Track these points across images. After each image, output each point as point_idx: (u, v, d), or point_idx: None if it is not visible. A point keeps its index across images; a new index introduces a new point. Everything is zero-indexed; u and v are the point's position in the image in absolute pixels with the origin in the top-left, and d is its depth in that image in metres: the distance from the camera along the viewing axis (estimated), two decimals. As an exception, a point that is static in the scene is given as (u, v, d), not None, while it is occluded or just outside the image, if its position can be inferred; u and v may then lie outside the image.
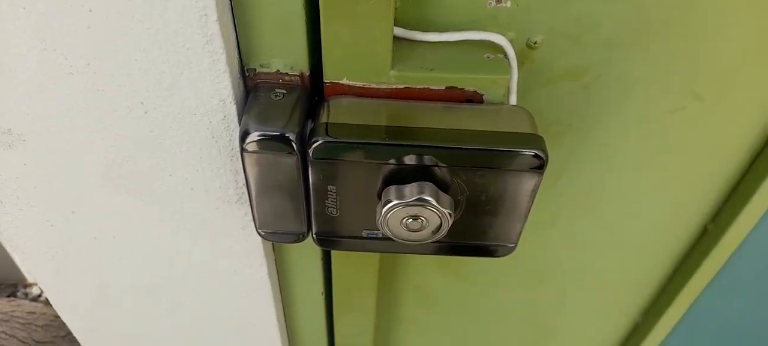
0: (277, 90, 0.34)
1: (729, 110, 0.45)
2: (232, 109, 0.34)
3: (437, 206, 0.33)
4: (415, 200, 0.33)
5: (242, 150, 0.33)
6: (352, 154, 0.33)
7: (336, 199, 0.36)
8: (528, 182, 0.35)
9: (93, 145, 0.36)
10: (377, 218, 0.35)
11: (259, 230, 0.38)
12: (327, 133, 0.33)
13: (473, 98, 0.37)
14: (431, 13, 0.37)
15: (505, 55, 0.37)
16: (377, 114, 0.35)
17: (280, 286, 0.51)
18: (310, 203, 0.36)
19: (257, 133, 0.32)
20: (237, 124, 0.34)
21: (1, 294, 1.89)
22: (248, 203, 0.40)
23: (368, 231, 0.39)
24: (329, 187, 0.35)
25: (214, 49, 0.30)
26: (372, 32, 0.32)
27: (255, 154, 0.33)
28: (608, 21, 0.38)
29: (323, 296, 0.52)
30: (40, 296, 1.93)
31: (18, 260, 1.81)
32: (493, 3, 0.37)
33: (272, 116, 0.33)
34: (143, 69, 0.31)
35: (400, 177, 0.34)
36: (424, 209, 0.34)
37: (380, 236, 0.38)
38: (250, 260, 0.44)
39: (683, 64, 0.41)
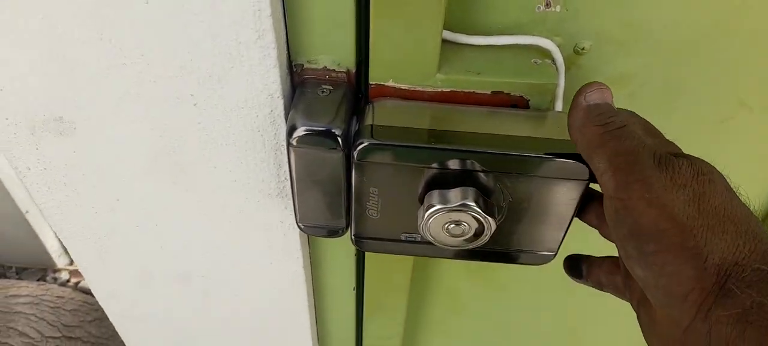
0: (324, 86, 0.34)
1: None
2: (280, 104, 0.34)
3: (480, 212, 0.33)
4: (459, 205, 0.33)
5: (289, 144, 0.33)
6: (396, 157, 0.33)
7: (377, 201, 0.36)
8: (573, 190, 0.35)
9: (141, 135, 0.37)
10: (419, 222, 0.35)
11: (300, 223, 0.38)
12: (372, 136, 0.33)
13: (519, 103, 0.36)
14: (477, 16, 0.37)
15: (553, 60, 0.37)
16: (422, 117, 0.35)
17: (313, 280, 0.51)
18: (350, 204, 0.36)
19: (304, 128, 0.32)
20: (283, 118, 0.35)
21: (31, 278, 1.94)
22: (288, 196, 0.40)
23: (407, 234, 0.39)
24: (371, 189, 0.35)
25: (265, 44, 0.31)
26: (421, 34, 0.32)
27: (301, 149, 0.33)
28: (658, 26, 0.37)
29: (355, 292, 0.53)
30: (68, 281, 1.98)
31: (58, 244, 1.86)
32: (542, 7, 0.36)
33: (319, 112, 0.33)
34: (195, 61, 0.32)
35: (443, 181, 0.34)
36: (467, 214, 0.34)
37: (419, 239, 0.38)
38: (287, 253, 0.45)
39: (731, 72, 0.41)
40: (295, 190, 0.36)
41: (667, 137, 0.35)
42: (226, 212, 0.42)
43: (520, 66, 0.36)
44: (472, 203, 0.33)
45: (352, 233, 0.38)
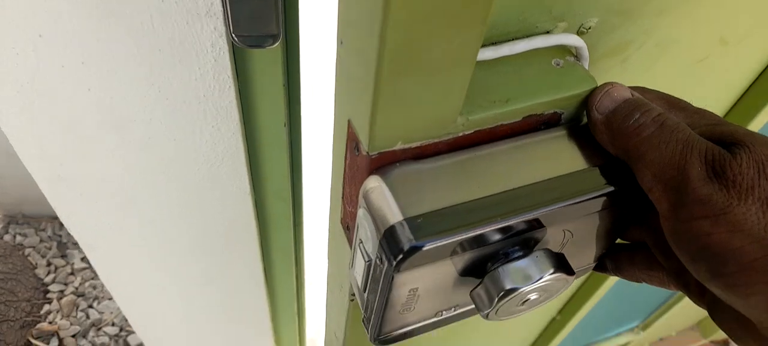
0: None
1: (746, 51, 0.45)
2: None
3: (565, 275, 0.30)
4: (539, 279, 0.29)
5: (217, -58, 0.35)
6: (446, 252, 0.28)
7: (414, 297, 0.31)
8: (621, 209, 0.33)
9: (61, -46, 0.37)
10: (483, 308, 0.30)
11: (234, 35, 0.41)
12: (412, 235, 0.27)
13: (551, 120, 0.33)
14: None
15: (576, 56, 0.33)
16: (453, 182, 0.29)
17: (244, 119, 0.54)
18: (381, 306, 0.32)
19: None
20: None
21: None
22: (217, 15, 0.42)
23: (445, 310, 0.34)
24: (411, 289, 0.30)
25: None
26: (448, 84, 0.25)
27: (230, -55, 0.35)
28: None
29: (286, 127, 0.56)
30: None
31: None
32: None
33: None
34: None
35: (505, 255, 0.30)
36: (548, 283, 0.30)
37: (458, 311, 0.34)
38: (219, 83, 0.47)
39: (722, 16, 0.40)
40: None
41: (650, 84, 0.33)
42: (155, 38, 0.43)
43: (547, 75, 0.32)
44: (550, 272, 0.29)
45: (375, 336, 0.33)
